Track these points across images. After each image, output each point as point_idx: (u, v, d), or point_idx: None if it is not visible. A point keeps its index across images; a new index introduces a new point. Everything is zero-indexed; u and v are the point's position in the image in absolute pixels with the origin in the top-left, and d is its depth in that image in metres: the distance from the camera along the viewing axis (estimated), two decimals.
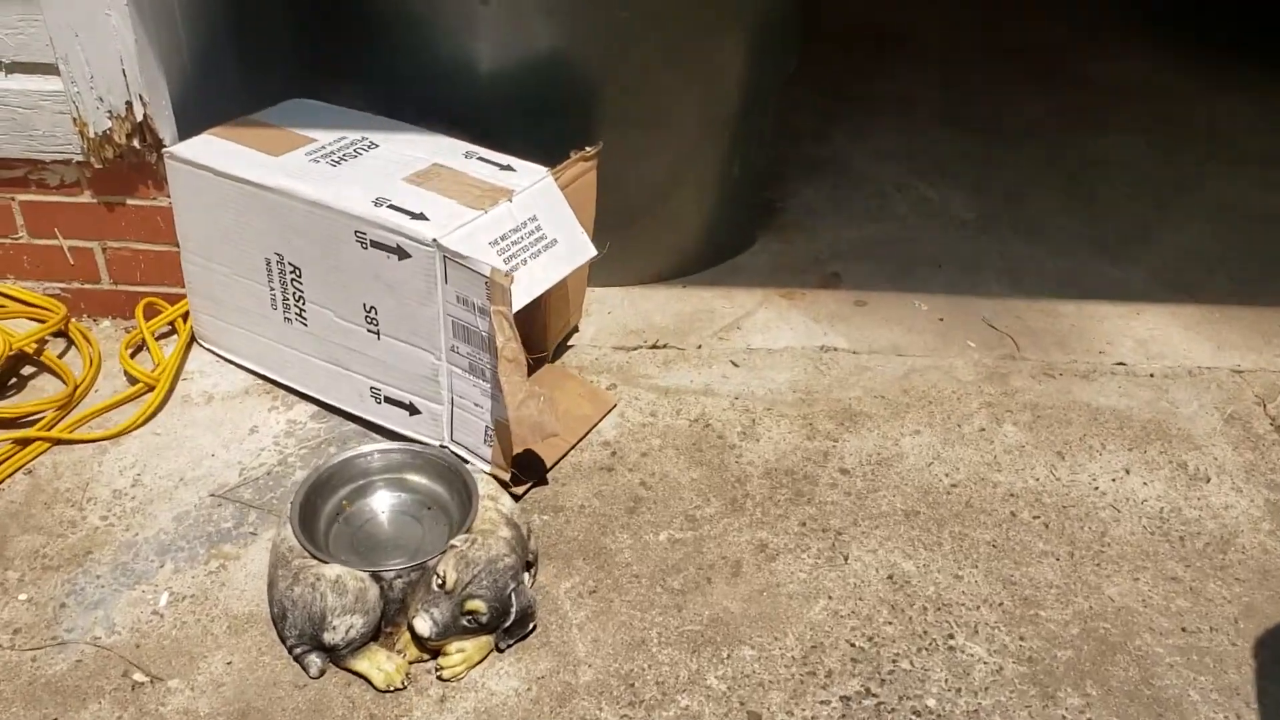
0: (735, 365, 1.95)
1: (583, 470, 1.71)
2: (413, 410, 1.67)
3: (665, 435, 1.78)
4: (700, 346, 1.99)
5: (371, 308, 1.62)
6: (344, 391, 1.74)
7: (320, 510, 1.52)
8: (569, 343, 1.98)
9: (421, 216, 1.55)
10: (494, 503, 1.49)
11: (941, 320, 2.09)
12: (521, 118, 1.90)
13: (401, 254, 1.54)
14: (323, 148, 1.71)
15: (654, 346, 1.99)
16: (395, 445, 1.60)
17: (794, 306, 2.12)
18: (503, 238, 1.58)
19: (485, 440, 1.61)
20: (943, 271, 2.25)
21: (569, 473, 1.70)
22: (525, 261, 1.60)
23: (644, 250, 2.13)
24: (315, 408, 1.78)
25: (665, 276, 2.17)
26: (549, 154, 1.72)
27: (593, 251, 1.72)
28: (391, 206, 1.56)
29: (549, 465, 1.70)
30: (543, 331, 1.86)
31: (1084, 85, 3.20)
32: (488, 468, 1.62)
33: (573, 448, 1.74)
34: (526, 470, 1.65)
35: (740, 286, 2.17)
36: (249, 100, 1.84)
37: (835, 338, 2.03)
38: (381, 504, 1.56)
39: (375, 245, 1.56)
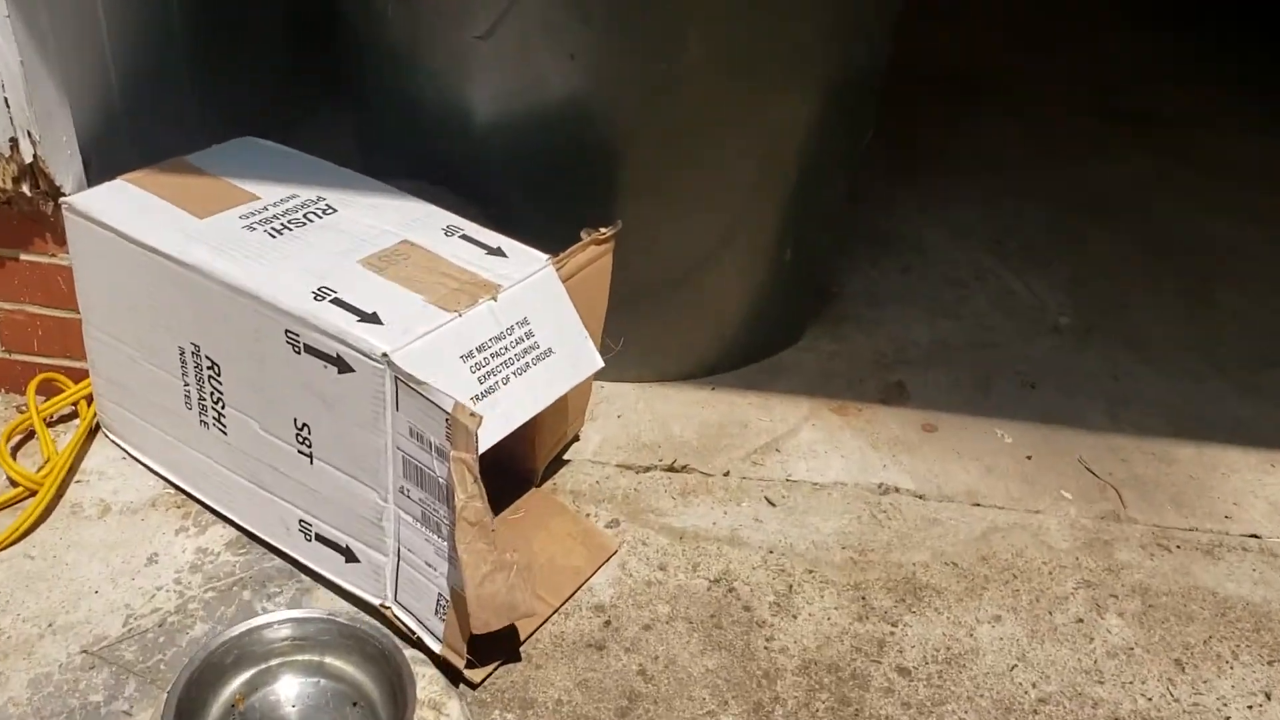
0: (771, 504, 1.56)
1: (565, 646, 1.33)
2: (350, 556, 1.30)
3: (676, 600, 1.40)
4: (728, 473, 1.61)
5: (304, 425, 1.25)
6: (268, 519, 1.37)
7: (209, 702, 1.15)
8: (566, 456, 1.60)
9: (373, 318, 1.17)
10: (435, 714, 1.11)
11: (1029, 459, 1.69)
12: (523, 180, 1.52)
13: (342, 366, 1.17)
14: (264, 209, 1.34)
15: (670, 469, 1.60)
16: (312, 614, 1.22)
17: (847, 425, 1.72)
18: (480, 349, 1.21)
19: (437, 611, 1.23)
20: (1032, 391, 1.85)
21: (547, 647, 1.32)
22: (508, 380, 1.22)
23: (667, 342, 1.74)
24: (234, 533, 1.41)
25: (691, 374, 1.78)
26: (555, 224, 1.35)
27: (599, 364, 1.35)
28: (336, 301, 1.19)
29: (523, 638, 1.32)
30: (531, 449, 1.49)
31: (1192, 151, 2.77)
32: (438, 647, 1.24)
33: (556, 610, 1.37)
34: (490, 644, 1.27)
35: (781, 394, 1.78)
36: (204, 137, 1.48)
37: (898, 474, 1.63)
38: (289, 694, 1.18)
39: (310, 351, 1.19)
